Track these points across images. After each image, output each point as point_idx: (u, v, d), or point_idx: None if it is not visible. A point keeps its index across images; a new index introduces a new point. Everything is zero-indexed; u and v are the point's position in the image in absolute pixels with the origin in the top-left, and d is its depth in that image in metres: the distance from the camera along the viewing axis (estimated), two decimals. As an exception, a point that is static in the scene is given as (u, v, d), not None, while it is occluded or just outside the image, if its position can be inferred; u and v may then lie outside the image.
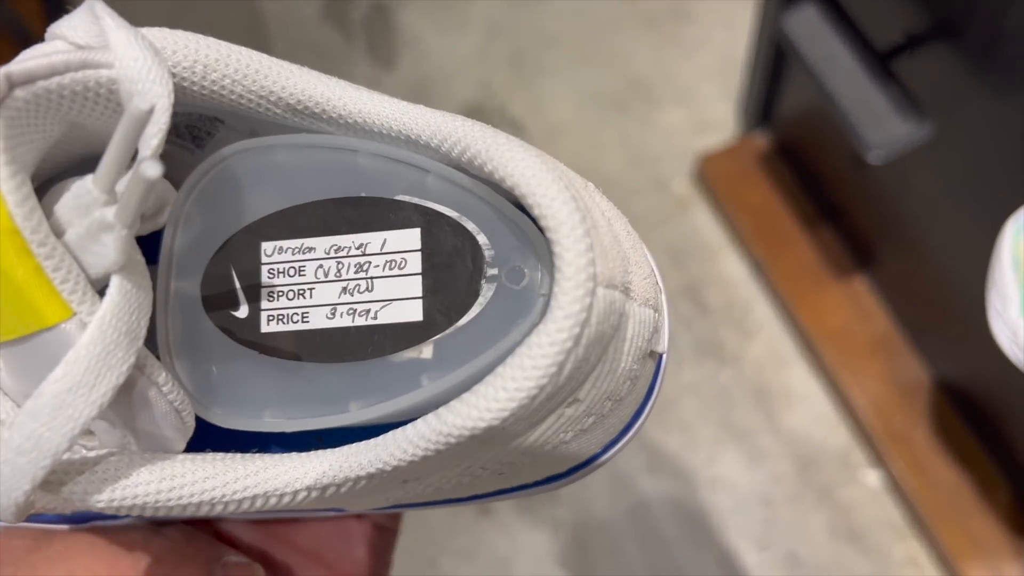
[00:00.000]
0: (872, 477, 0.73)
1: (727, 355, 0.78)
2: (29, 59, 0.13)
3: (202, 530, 0.19)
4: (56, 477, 0.14)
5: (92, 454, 0.14)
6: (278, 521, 0.20)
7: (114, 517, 0.17)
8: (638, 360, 0.16)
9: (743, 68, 0.81)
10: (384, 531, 0.22)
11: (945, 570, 0.69)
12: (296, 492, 0.14)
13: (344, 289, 0.15)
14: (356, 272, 0.15)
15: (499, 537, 0.72)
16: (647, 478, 0.74)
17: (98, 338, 0.13)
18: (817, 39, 0.57)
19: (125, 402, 0.14)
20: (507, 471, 0.16)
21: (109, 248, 0.13)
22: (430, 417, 0.14)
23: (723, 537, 0.72)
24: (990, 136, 0.54)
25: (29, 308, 0.13)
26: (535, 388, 0.13)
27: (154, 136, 0.13)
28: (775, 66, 0.75)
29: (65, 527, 0.18)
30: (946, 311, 0.68)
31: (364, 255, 0.15)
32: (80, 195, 0.13)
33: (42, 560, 0.17)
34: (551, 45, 0.98)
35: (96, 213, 0.13)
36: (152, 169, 0.12)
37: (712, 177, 0.84)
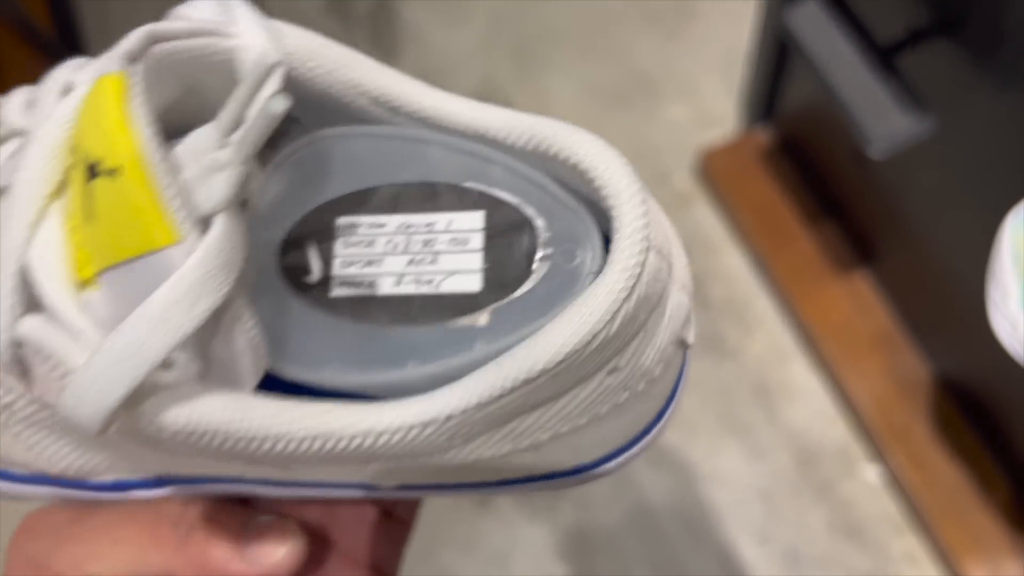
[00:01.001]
0: (872, 472, 0.73)
1: (727, 349, 0.78)
2: (167, 22, 0.15)
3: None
4: (142, 391, 0.14)
5: (172, 377, 0.15)
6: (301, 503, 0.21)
7: (148, 485, 0.18)
8: (673, 341, 0.17)
9: (746, 63, 0.81)
10: (400, 523, 0.22)
11: (944, 566, 0.69)
12: (353, 438, 0.15)
13: (410, 261, 0.17)
14: (423, 247, 0.17)
15: (498, 530, 0.73)
16: (647, 472, 0.75)
17: (202, 263, 0.14)
18: (820, 34, 0.57)
19: (211, 330, 0.15)
20: (543, 444, 0.17)
21: (220, 187, 0.14)
22: (490, 365, 0.15)
23: (722, 531, 0.72)
24: (991, 131, 0.55)
25: (145, 231, 0.14)
26: (589, 334, 0.15)
27: (273, 87, 0.15)
28: (778, 61, 0.76)
29: (109, 495, 0.19)
30: (947, 307, 0.68)
31: (431, 232, 0.17)
32: (200, 139, 0.15)
33: (85, 531, 0.18)
34: (554, 39, 0.98)
35: (213, 155, 0.15)
36: (279, 103, 0.14)
37: (714, 172, 0.84)
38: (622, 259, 0.15)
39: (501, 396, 0.15)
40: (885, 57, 0.56)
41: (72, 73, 0.17)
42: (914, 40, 0.56)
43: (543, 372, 0.15)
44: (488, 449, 0.16)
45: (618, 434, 0.18)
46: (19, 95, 0.18)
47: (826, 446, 0.74)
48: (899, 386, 0.73)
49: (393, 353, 0.16)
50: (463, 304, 0.16)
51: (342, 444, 0.15)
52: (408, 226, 0.17)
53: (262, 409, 0.15)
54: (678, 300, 0.17)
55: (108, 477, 0.18)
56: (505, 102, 0.78)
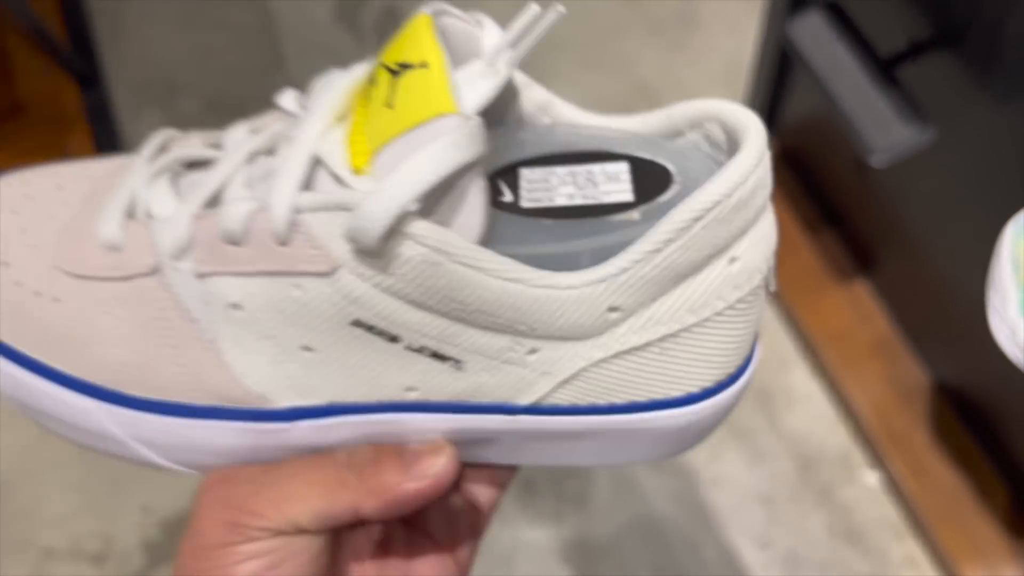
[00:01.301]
0: (872, 478, 0.74)
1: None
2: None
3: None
4: (405, 218, 0.19)
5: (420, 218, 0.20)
6: None
7: (317, 414, 0.22)
8: (766, 263, 0.22)
9: (748, 74, 0.82)
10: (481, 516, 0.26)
11: (943, 571, 0.69)
12: (548, 290, 0.20)
13: (578, 188, 0.22)
14: (586, 180, 0.23)
15: (502, 531, 0.73)
16: (649, 476, 0.75)
17: (469, 126, 0.19)
18: (822, 45, 0.58)
19: (459, 181, 0.20)
20: (670, 340, 0.21)
21: (486, 88, 0.20)
22: (651, 229, 0.20)
23: (724, 535, 0.73)
24: (990, 142, 0.55)
25: (436, 102, 0.19)
26: (730, 188, 0.20)
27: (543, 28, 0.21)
28: (779, 73, 0.77)
29: (279, 425, 0.22)
30: (945, 315, 0.69)
31: (590, 174, 0.23)
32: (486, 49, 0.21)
33: (280, 477, 0.21)
34: (558, 49, 0.99)
35: (482, 67, 0.21)
36: (558, 10, 0.20)
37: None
38: (753, 146, 0.20)
39: (661, 248, 0.20)
40: (886, 68, 0.57)
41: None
42: (915, 52, 0.57)
43: (694, 219, 0.20)
44: (632, 336, 0.21)
45: (720, 354, 0.22)
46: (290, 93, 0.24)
47: (827, 452, 0.75)
48: (899, 393, 0.74)
49: (573, 232, 0.21)
50: (620, 208, 0.22)
51: (535, 294, 0.20)
52: (574, 173, 0.23)
53: (491, 255, 0.20)
54: (769, 233, 0.22)
55: (283, 403, 0.21)
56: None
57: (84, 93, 0.95)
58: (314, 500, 0.21)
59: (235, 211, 0.20)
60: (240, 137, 0.23)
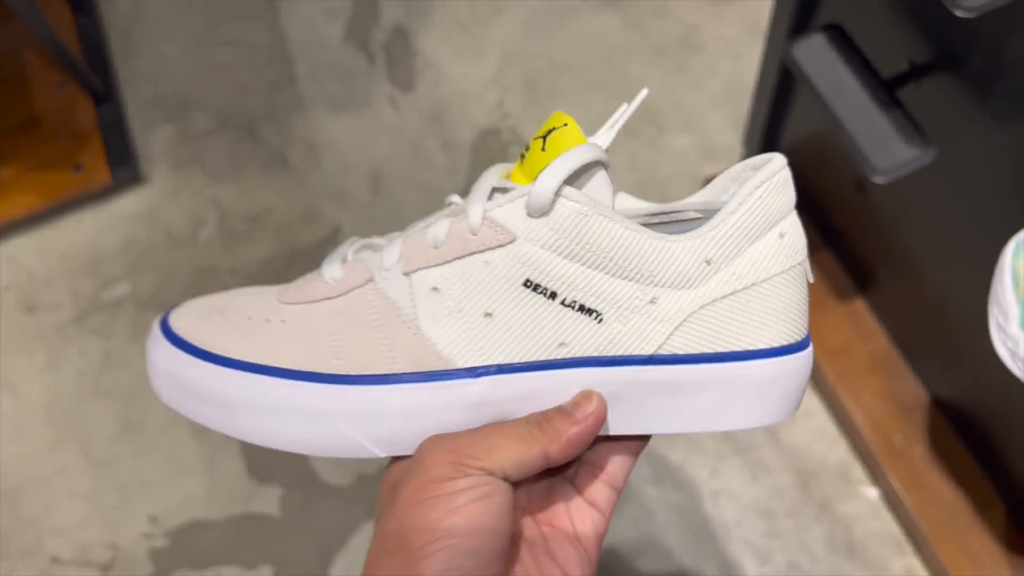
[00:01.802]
0: (871, 492, 0.75)
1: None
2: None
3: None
4: (559, 193, 0.28)
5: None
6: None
7: (491, 372, 0.29)
8: (805, 252, 0.30)
9: (749, 96, 0.84)
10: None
11: (942, 584, 0.70)
12: (660, 249, 0.29)
13: (663, 216, 0.32)
14: (668, 217, 0.32)
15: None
16: (651, 489, 0.76)
17: (598, 147, 0.29)
18: (825, 66, 0.59)
19: (593, 173, 0.28)
20: (743, 293, 0.29)
21: (607, 139, 0.30)
22: (733, 195, 0.29)
23: (725, 548, 0.74)
24: (989, 161, 0.57)
25: (573, 139, 0.28)
26: (772, 172, 0.29)
27: (629, 112, 0.30)
28: (780, 95, 0.78)
29: (463, 380, 0.29)
30: (944, 332, 0.70)
31: (672, 216, 0.32)
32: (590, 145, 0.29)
33: (487, 432, 0.28)
34: (564, 71, 1.01)
35: (610, 128, 0.30)
36: (644, 92, 0.30)
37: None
38: (776, 161, 0.30)
39: (735, 211, 0.28)
40: (888, 89, 0.58)
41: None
42: (916, 73, 0.58)
43: (755, 188, 0.29)
44: (722, 286, 0.29)
45: (785, 313, 0.30)
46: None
47: (827, 465, 0.76)
48: (898, 408, 0.75)
49: (663, 228, 0.31)
50: (695, 223, 0.31)
51: (652, 244, 0.28)
52: (661, 216, 0.32)
53: (624, 222, 0.28)
54: (801, 226, 0.30)
55: (465, 364, 0.28)
56: (514, 131, 0.82)
57: (98, 108, 0.96)
58: (514, 448, 0.27)
59: (440, 225, 0.29)
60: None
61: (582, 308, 0.28)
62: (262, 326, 0.30)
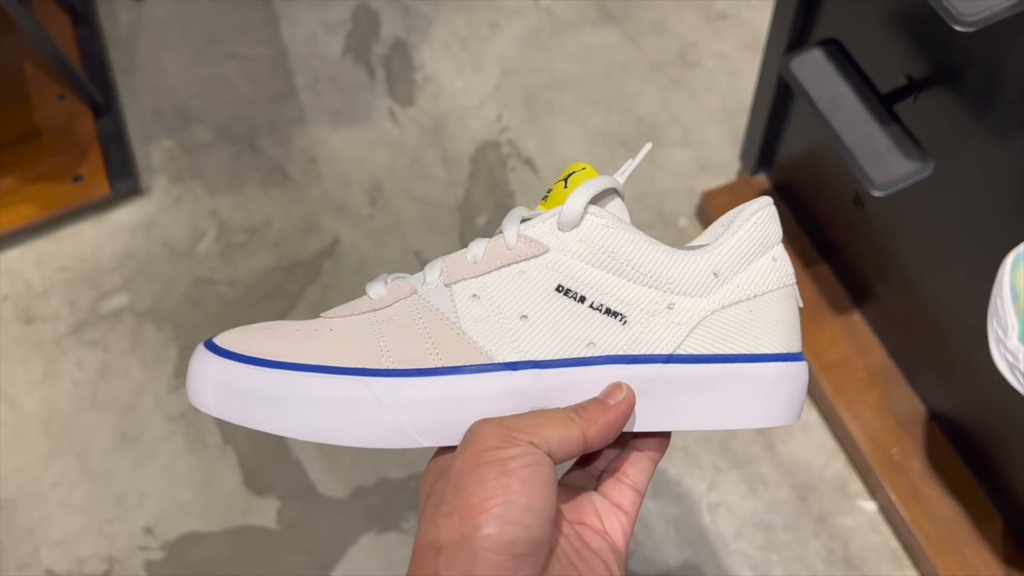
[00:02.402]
0: (869, 506, 0.75)
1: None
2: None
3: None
4: (584, 212, 0.32)
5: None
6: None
7: (526, 366, 0.32)
8: (793, 278, 0.35)
9: (746, 112, 0.85)
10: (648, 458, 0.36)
11: (940, 598, 0.70)
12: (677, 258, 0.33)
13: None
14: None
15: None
16: (649, 502, 0.76)
17: (612, 179, 0.33)
18: (823, 81, 0.60)
19: (610, 199, 0.33)
20: (748, 302, 0.33)
21: (618, 182, 0.33)
22: (734, 222, 0.34)
23: (723, 562, 0.74)
24: (988, 176, 0.57)
25: (590, 176, 0.33)
26: (764, 203, 0.34)
27: (637, 163, 0.35)
28: (778, 110, 0.79)
29: (503, 373, 0.32)
30: (940, 346, 0.70)
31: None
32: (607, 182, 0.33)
33: (531, 413, 0.31)
34: (562, 86, 1.02)
35: (622, 174, 0.34)
36: (647, 148, 0.34)
37: (714, 213, 0.87)
38: (764, 200, 0.34)
39: (736, 233, 0.33)
40: (886, 104, 0.58)
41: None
42: (914, 88, 0.59)
43: (752, 213, 0.34)
44: (729, 295, 0.33)
45: (783, 324, 0.34)
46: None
47: (825, 479, 0.76)
48: (896, 422, 0.75)
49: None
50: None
51: (670, 256, 0.33)
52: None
53: (641, 237, 0.33)
54: (786, 255, 0.35)
55: (505, 359, 0.32)
56: (513, 144, 0.83)
57: (98, 120, 0.96)
58: (557, 428, 0.30)
59: (478, 244, 0.33)
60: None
61: (608, 311, 0.32)
62: (311, 334, 0.32)
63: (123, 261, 0.91)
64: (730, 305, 0.33)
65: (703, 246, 0.34)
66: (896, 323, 0.76)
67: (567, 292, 0.32)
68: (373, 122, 1.00)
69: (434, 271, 0.33)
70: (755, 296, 0.33)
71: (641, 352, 0.33)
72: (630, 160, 0.35)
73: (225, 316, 0.87)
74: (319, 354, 0.32)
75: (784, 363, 0.34)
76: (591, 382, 0.32)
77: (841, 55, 0.60)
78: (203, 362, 0.32)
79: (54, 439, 0.81)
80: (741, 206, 0.35)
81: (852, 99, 0.59)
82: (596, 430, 0.31)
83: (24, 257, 0.91)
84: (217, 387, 0.31)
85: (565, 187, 0.33)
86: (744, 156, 0.87)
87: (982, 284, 0.55)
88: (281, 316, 0.84)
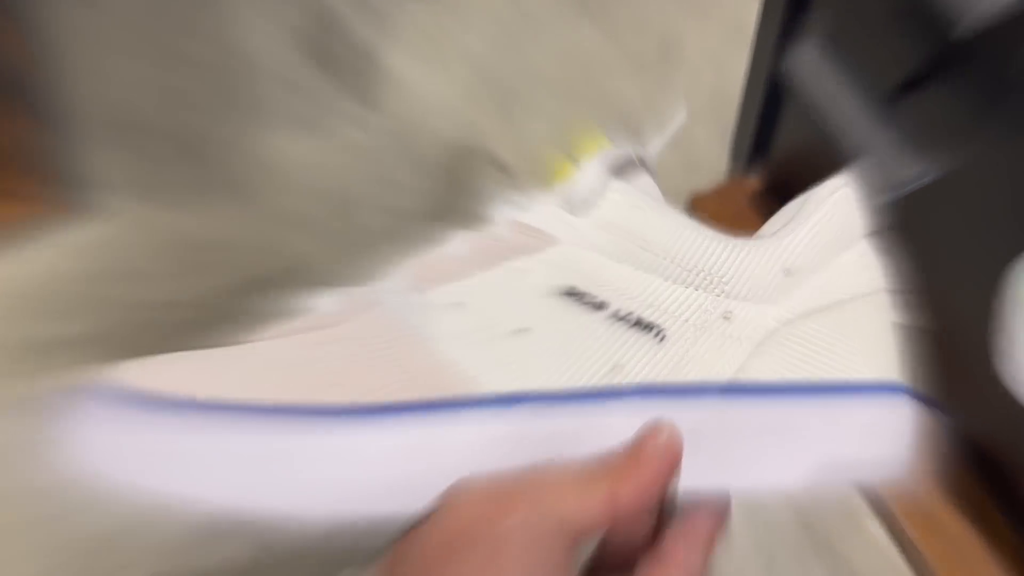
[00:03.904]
0: (876, 526, 0.72)
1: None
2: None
3: None
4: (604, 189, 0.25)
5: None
6: None
7: (526, 400, 0.23)
8: (891, 288, 0.26)
9: (736, 109, 0.82)
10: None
11: (953, 624, 0.67)
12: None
13: None
14: None
15: None
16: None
17: (625, 149, 0.26)
18: (820, 77, 0.57)
19: (634, 171, 0.26)
20: (821, 312, 0.25)
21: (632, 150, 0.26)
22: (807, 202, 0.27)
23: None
24: (994, 182, 0.54)
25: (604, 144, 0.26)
26: (841, 182, 0.27)
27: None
28: (769, 107, 0.76)
29: (495, 408, 0.23)
30: (947, 358, 0.67)
31: None
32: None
33: (533, 474, 0.22)
34: (539, 86, 0.98)
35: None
36: (682, 115, 0.26)
37: (703, 216, 0.83)
38: (836, 179, 0.27)
39: (811, 215, 0.26)
40: (886, 102, 0.56)
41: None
42: (915, 85, 0.56)
43: (829, 194, 0.26)
44: (803, 300, 0.24)
45: (877, 342, 0.25)
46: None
47: (829, 500, 0.73)
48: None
49: None
50: None
51: (715, 243, 0.25)
52: None
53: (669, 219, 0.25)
54: (875, 255, 0.27)
55: (493, 387, 0.23)
56: (488, 149, 0.78)
57: (44, 133, 0.92)
58: (571, 490, 0.21)
59: (457, 238, 0.25)
60: None
61: (639, 322, 0.23)
62: (231, 362, 0.24)
63: (70, 283, 0.87)
64: (808, 314, 0.24)
65: (766, 238, 0.26)
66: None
67: (581, 297, 0.23)
68: (336, 128, 0.96)
69: (402, 276, 0.25)
70: (842, 302, 0.25)
71: (687, 380, 0.23)
72: (658, 130, 0.27)
73: (179, 339, 0.83)
74: (234, 387, 0.23)
75: (887, 396, 0.24)
76: (617, 423, 0.23)
77: (839, 52, 0.57)
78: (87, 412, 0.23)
79: None
80: (809, 192, 0.27)
81: (851, 98, 0.56)
82: (630, 491, 0.21)
83: (-32, 282, 0.87)
84: (97, 446, 0.22)
85: (573, 162, 0.25)
86: (734, 155, 0.84)
87: (990, 294, 0.53)
88: (242, 338, 0.80)
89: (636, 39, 1.01)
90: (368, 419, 0.22)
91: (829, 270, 0.25)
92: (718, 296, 0.24)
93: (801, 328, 0.24)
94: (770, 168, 0.82)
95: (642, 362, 0.23)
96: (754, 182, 0.84)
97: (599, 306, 0.23)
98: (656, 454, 0.22)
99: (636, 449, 0.22)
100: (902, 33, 0.56)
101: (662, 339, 0.23)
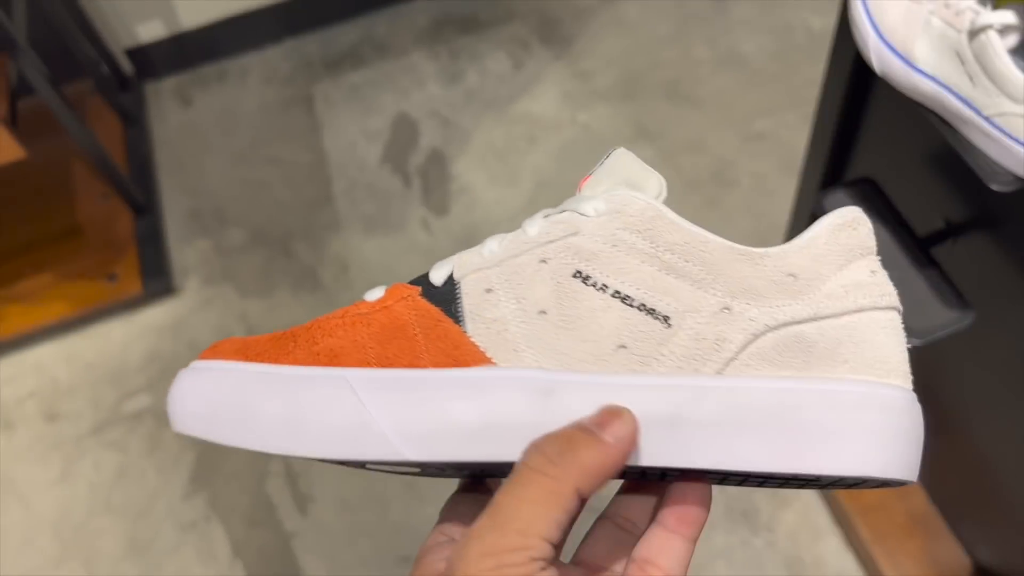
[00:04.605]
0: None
1: (760, 523, 0.76)
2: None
3: None
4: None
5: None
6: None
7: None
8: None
9: (783, 235, 0.83)
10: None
11: None
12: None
13: None
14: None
15: None
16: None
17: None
18: (859, 222, 0.58)
19: (649, 179, 0.28)
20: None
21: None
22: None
23: None
24: None
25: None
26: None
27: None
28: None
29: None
30: (986, 494, 0.66)
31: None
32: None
33: (503, 516, 0.23)
34: (596, 200, 1.01)
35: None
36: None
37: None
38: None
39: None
40: (924, 248, 0.56)
41: None
42: (952, 232, 0.57)
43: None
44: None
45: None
46: None
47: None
48: (938, 574, 0.70)
49: None
50: None
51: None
52: None
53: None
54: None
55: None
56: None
57: (137, 220, 0.98)
58: (545, 509, 0.23)
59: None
60: None
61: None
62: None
63: (149, 361, 0.91)
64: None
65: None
66: (939, 467, 0.72)
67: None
68: (406, 230, 1.00)
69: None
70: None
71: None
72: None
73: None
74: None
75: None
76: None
77: (876, 194, 0.59)
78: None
79: (63, 543, 0.80)
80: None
81: (888, 241, 0.57)
82: (591, 483, 0.24)
83: (53, 353, 0.92)
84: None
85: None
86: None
87: (1020, 448, 0.52)
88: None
89: (691, 163, 1.04)
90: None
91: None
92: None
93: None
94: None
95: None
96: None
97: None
98: (616, 443, 0.24)
99: (596, 436, 0.24)
100: (942, 182, 0.58)
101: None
